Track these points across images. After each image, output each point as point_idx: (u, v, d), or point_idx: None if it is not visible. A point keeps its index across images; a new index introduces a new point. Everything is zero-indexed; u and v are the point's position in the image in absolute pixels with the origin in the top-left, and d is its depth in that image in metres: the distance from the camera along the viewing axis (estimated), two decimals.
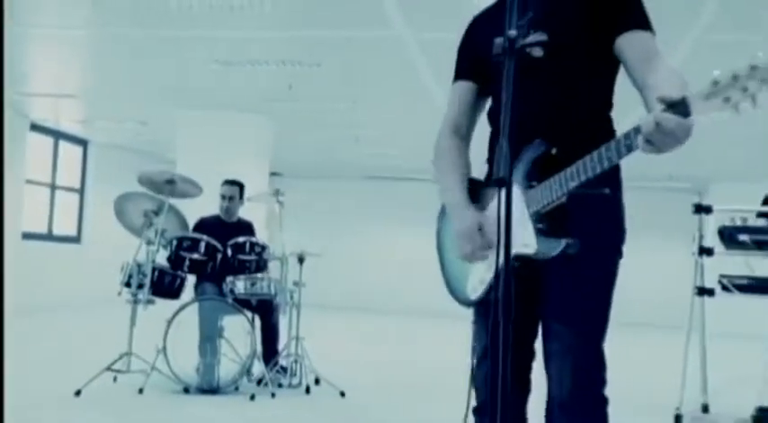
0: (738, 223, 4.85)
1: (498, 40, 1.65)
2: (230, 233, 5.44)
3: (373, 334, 10.28)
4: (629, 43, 1.85)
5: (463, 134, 2.16)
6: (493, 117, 2.07)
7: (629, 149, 1.58)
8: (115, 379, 4.95)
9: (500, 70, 1.68)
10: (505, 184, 1.43)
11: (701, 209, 4.96)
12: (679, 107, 1.49)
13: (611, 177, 1.87)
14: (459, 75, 2.19)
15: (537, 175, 1.79)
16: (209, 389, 4.93)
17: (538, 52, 1.74)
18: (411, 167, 14.20)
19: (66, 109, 10.70)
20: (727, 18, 5.61)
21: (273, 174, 11.39)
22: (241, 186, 5.74)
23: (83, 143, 12.56)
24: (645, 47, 1.83)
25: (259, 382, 5.19)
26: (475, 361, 2.03)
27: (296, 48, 7.24)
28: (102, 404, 4.49)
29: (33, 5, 6.05)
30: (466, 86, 2.15)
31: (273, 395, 4.89)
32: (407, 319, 12.48)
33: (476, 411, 2.08)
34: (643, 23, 1.86)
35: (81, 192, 12.59)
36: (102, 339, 7.15)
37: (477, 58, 2.10)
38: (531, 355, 2.00)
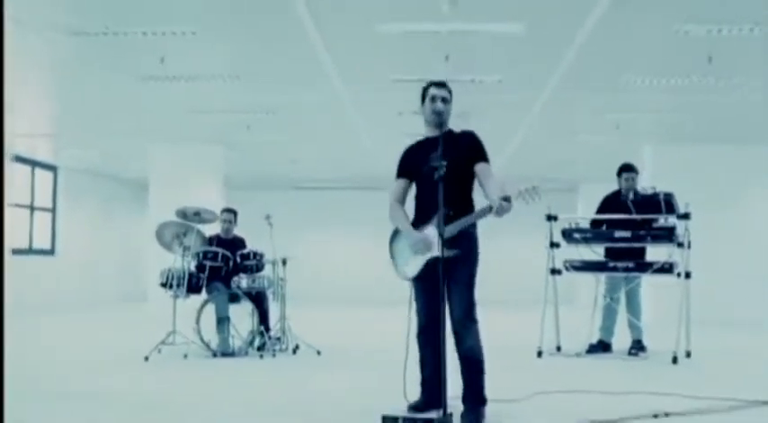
0: (574, 226, 7.33)
1: (425, 167, 3.94)
2: (231, 246, 7.58)
3: (326, 317, 12.48)
4: (480, 169, 4.18)
5: (402, 202, 4.36)
6: (419, 198, 4.31)
7: (486, 215, 3.91)
8: (159, 350, 6.98)
9: (424, 178, 4.00)
10: (442, 235, 3.73)
11: (551, 217, 7.40)
12: (508, 199, 3.83)
13: (472, 226, 4.18)
14: (400, 175, 4.37)
15: (444, 222, 4.07)
16: (228, 353, 7.06)
17: (443, 170, 4.05)
18: (333, 178, 16.57)
19: (41, 143, 12.44)
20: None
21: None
22: (235, 213, 7.86)
23: (53, 168, 14.22)
24: (486, 171, 4.17)
25: (259, 348, 7.33)
26: (416, 307, 4.30)
27: (256, 102, 9.39)
28: (163, 365, 6.54)
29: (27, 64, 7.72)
30: (403, 182, 4.36)
31: (274, 355, 7.07)
32: (342, 305, 14.79)
33: (418, 334, 4.33)
34: (485, 159, 4.21)
35: (53, 211, 14.26)
36: (119, 329, 9.11)
37: (408, 170, 4.34)
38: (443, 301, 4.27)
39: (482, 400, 4.17)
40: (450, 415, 3.83)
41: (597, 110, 9.37)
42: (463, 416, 4.06)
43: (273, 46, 7.00)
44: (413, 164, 4.30)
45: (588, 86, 8.26)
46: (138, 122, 10.63)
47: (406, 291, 4.33)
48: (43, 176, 13.97)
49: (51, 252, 14.19)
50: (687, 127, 10.36)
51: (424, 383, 4.32)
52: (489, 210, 3.93)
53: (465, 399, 4.15)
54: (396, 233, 4.35)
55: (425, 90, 4.29)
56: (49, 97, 9.50)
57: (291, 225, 17.42)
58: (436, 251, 3.99)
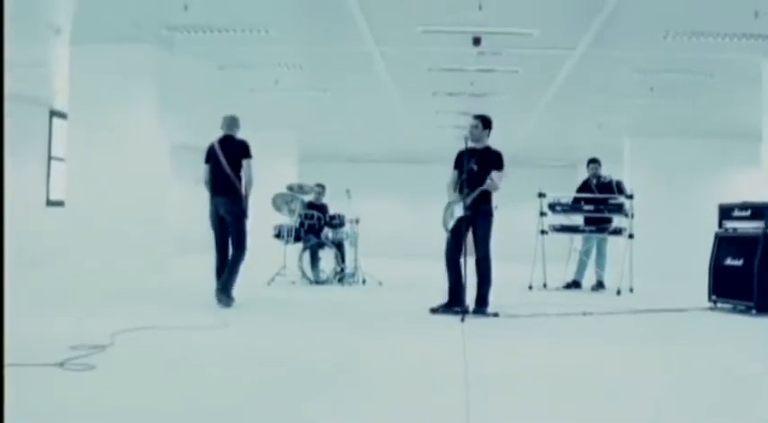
0: (556, 201, 10.30)
1: (467, 165, 6.98)
2: (320, 209, 10.71)
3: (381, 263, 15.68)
4: (494, 173, 7.16)
5: (455, 186, 7.38)
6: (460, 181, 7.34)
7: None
8: (273, 279, 10.11)
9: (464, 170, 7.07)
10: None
11: (541, 195, 10.35)
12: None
13: (486, 203, 7.20)
14: (455, 167, 7.38)
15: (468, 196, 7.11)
16: (320, 282, 10.20)
17: (475, 169, 7.07)
18: (379, 153, 19.66)
19: None
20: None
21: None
22: (324, 187, 10.98)
23: None
24: (498, 176, 7.13)
25: (339, 280, 10.43)
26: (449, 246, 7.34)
27: (334, 106, 12.41)
28: (280, 288, 9.68)
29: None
30: (456, 172, 7.37)
31: (350, 284, 10.20)
32: (381, 256, 18.01)
33: (448, 261, 7.37)
34: (499, 167, 7.18)
35: None
36: None
37: (459, 164, 7.33)
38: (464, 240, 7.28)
39: (486, 302, 7.22)
40: (467, 306, 6.90)
41: (583, 115, 12.29)
42: (474, 309, 7.12)
43: (354, 76, 10.00)
44: (462, 163, 7.24)
45: (571, 102, 11.19)
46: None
47: (433, 246, 7.30)
48: None
49: None
50: (652, 127, 13.27)
51: (450, 291, 7.37)
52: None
53: (476, 300, 7.19)
54: (449, 205, 7.30)
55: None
56: (182, 104, 12.59)
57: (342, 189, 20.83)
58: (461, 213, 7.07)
